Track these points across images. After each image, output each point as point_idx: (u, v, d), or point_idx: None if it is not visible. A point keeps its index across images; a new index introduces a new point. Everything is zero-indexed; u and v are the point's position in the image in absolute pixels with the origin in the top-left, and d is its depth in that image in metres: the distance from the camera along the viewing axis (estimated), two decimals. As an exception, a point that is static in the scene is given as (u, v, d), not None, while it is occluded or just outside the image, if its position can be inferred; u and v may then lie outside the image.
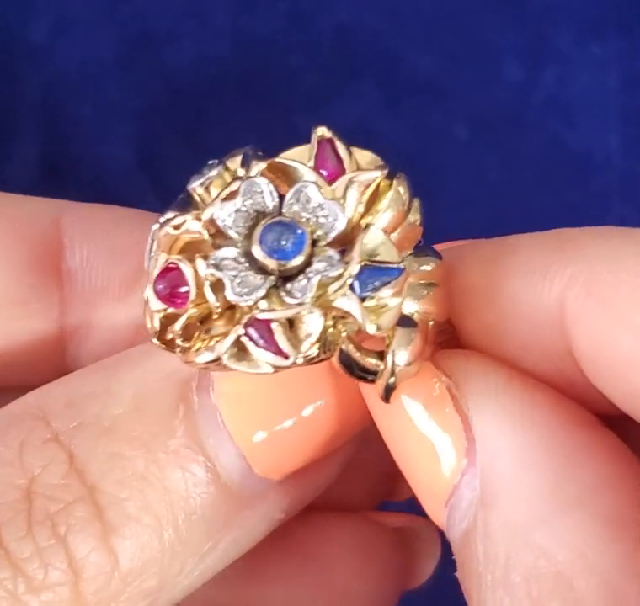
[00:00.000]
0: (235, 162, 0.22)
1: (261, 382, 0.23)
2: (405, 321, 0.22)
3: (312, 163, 0.22)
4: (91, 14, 0.45)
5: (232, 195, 0.21)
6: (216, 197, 0.21)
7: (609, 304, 0.21)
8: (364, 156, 0.23)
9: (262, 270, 0.21)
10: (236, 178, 0.22)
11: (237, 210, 0.21)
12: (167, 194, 0.46)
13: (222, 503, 0.23)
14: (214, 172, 0.22)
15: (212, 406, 0.23)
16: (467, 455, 0.22)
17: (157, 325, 0.22)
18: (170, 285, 0.21)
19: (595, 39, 0.44)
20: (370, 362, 0.22)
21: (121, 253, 0.26)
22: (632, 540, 0.21)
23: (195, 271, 0.21)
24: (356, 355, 0.22)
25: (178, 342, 0.21)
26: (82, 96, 0.44)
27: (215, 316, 0.21)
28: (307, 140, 0.23)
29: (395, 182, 0.22)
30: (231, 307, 0.21)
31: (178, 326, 0.21)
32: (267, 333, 0.21)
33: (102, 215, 0.27)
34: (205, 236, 0.21)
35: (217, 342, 0.21)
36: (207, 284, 0.21)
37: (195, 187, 0.22)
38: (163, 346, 0.22)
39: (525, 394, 0.22)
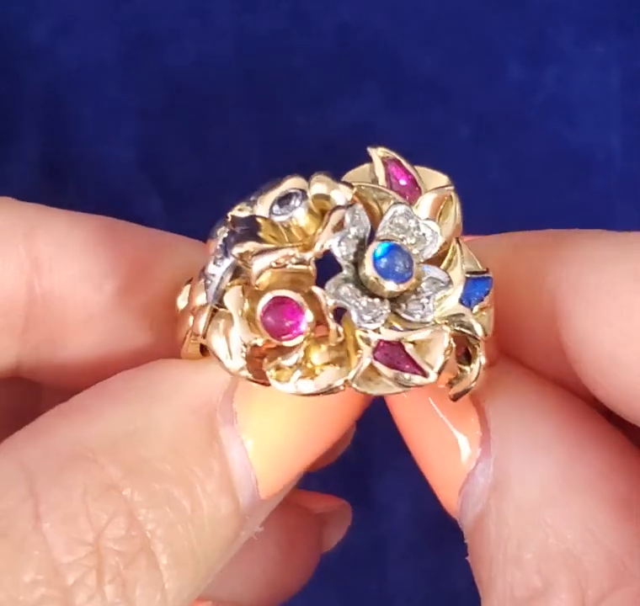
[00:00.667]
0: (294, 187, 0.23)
1: (282, 415, 0.23)
2: None
3: (382, 183, 0.23)
4: (92, 14, 0.45)
5: (339, 225, 0.21)
6: (325, 228, 0.21)
7: (592, 304, 0.21)
8: (423, 171, 0.23)
9: (371, 294, 0.21)
10: (337, 207, 0.22)
11: (346, 239, 0.21)
12: (168, 194, 0.46)
13: (236, 529, 0.23)
14: (300, 206, 0.22)
15: (238, 441, 0.23)
16: (482, 444, 0.23)
17: (239, 361, 0.22)
18: (279, 319, 0.21)
19: (596, 39, 0.44)
20: (459, 367, 0.23)
21: (100, 276, 0.25)
22: (638, 521, 0.21)
23: (311, 302, 0.21)
24: (455, 363, 0.23)
25: (271, 372, 0.22)
26: (83, 96, 0.44)
27: (333, 345, 0.22)
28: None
29: (454, 197, 0.23)
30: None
31: (294, 358, 0.21)
32: (400, 354, 0.21)
33: (82, 229, 0.25)
34: (312, 268, 0.22)
35: (325, 369, 0.22)
36: (330, 314, 0.21)
37: (284, 220, 0.22)
38: (254, 379, 0.22)
39: (536, 386, 0.23)
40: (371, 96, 0.44)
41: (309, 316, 0.21)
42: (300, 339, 0.21)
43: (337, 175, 0.23)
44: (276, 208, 0.22)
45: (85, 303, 0.25)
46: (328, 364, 0.22)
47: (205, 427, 0.23)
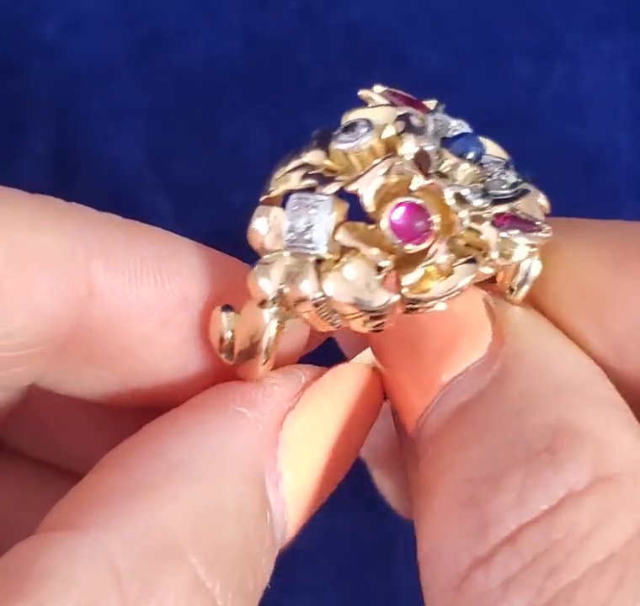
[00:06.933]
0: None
1: (317, 467, 0.24)
2: None
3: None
4: (102, 12, 0.45)
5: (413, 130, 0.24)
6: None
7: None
8: None
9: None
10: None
11: (428, 138, 0.24)
12: (176, 191, 0.46)
13: None
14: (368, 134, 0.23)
15: (281, 502, 0.24)
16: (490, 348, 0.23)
17: (383, 292, 0.22)
18: (408, 223, 0.22)
19: (605, 37, 0.44)
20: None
21: (148, 307, 0.24)
22: None
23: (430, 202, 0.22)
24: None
25: (407, 287, 0.22)
26: (91, 94, 0.44)
27: (461, 233, 0.22)
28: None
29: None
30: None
31: (441, 257, 0.22)
32: (517, 219, 0.23)
33: (138, 257, 0.25)
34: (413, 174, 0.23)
35: (456, 269, 0.22)
36: (452, 203, 0.22)
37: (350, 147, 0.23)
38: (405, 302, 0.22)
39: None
40: (379, 94, 0.44)
41: (436, 215, 0.22)
42: (431, 241, 0.22)
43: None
44: (342, 136, 0.23)
45: (130, 332, 0.24)
46: (456, 260, 0.22)
47: (260, 495, 0.23)
